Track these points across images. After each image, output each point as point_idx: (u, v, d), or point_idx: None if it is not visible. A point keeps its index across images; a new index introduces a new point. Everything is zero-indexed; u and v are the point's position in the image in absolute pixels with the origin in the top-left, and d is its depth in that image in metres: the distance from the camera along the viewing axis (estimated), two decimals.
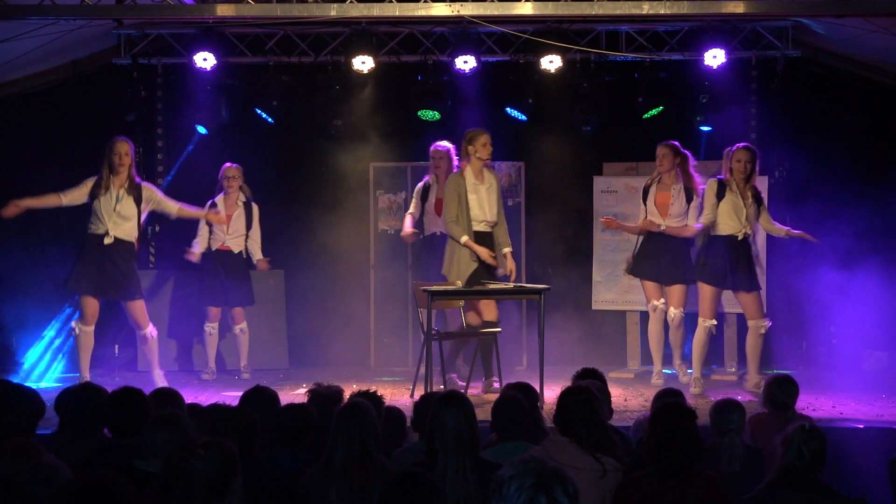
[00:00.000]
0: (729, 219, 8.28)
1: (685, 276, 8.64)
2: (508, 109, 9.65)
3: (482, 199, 8.29)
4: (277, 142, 9.99)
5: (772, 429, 4.78)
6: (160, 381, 8.34)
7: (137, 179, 8.37)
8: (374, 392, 5.24)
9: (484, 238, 8.30)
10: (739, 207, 8.25)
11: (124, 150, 8.24)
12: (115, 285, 8.30)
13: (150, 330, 8.50)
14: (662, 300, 8.72)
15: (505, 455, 4.36)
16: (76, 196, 8.32)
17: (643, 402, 7.73)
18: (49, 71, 9.59)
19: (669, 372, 8.93)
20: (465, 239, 8.18)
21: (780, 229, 8.51)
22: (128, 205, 8.26)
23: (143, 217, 8.42)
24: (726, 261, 8.28)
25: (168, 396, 5.03)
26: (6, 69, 8.89)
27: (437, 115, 9.55)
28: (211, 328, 9.21)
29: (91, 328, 8.39)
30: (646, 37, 9.59)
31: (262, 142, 9.89)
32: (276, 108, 9.60)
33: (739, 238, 8.30)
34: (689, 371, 8.59)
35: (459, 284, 8.40)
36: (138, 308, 8.43)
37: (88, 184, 8.31)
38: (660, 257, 8.65)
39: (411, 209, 9.27)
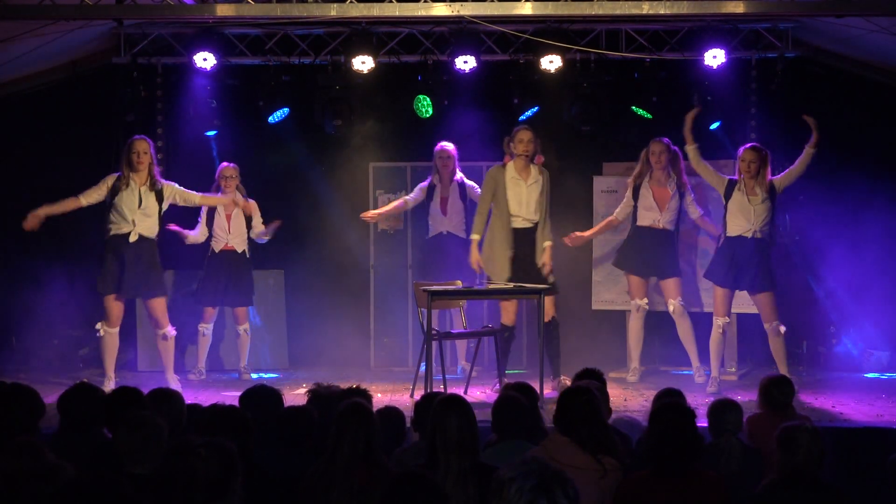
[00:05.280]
0: (736, 218, 8.31)
1: (675, 271, 8.77)
2: (529, 112, 9.58)
3: (521, 195, 8.41)
4: (277, 142, 9.97)
5: (770, 429, 4.77)
6: (174, 384, 8.32)
7: (159, 178, 8.44)
8: (358, 387, 5.23)
9: (523, 235, 8.40)
10: (746, 206, 8.28)
11: (143, 149, 8.36)
12: (140, 283, 8.35)
13: (169, 329, 8.53)
14: (646, 300, 8.84)
15: (505, 455, 4.36)
16: (95, 195, 8.38)
17: (643, 402, 7.73)
18: (49, 71, 9.59)
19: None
20: (473, 237, 8.47)
21: (803, 158, 8.32)
22: (150, 202, 8.37)
23: (162, 214, 8.50)
24: (735, 261, 8.29)
25: (166, 396, 5.02)
26: (6, 69, 8.89)
27: (430, 110, 9.50)
28: (205, 328, 9.18)
29: (116, 330, 8.45)
30: (646, 37, 9.59)
31: (261, 142, 9.88)
32: (276, 107, 9.60)
33: (748, 237, 8.31)
34: (706, 372, 8.60)
35: (459, 283, 8.45)
36: (160, 306, 8.48)
37: (108, 181, 8.39)
38: (649, 251, 8.75)
39: (407, 195, 9.37)
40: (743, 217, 8.30)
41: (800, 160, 8.37)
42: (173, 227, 8.92)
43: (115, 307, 8.38)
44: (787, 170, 8.45)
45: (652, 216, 8.79)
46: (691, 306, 9.04)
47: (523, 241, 8.44)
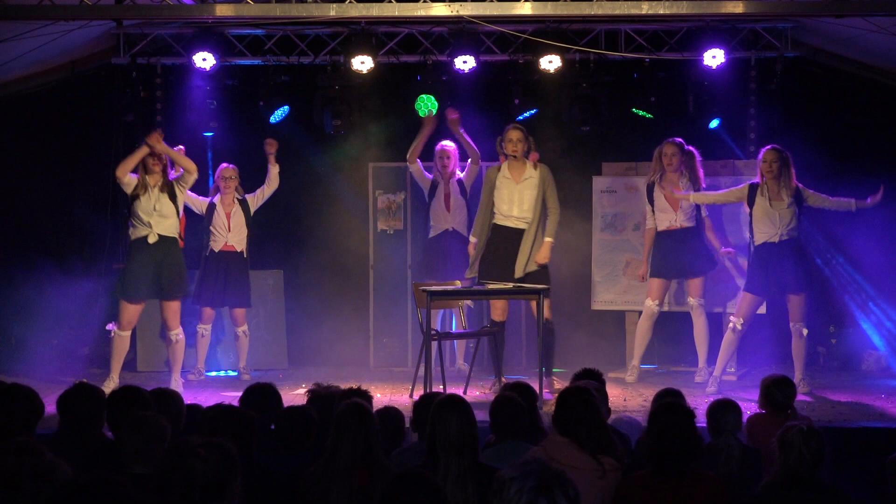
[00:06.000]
0: (761, 224, 8.28)
1: (702, 268, 8.75)
2: (527, 113, 9.59)
3: (513, 194, 8.39)
4: (277, 142, 9.96)
5: (771, 429, 4.78)
6: (178, 387, 8.30)
7: (171, 177, 8.46)
8: (359, 387, 5.24)
9: (509, 234, 8.37)
10: (770, 212, 8.23)
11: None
12: (162, 284, 8.36)
13: (179, 332, 8.52)
14: (657, 302, 8.79)
15: (504, 455, 4.36)
16: (126, 178, 8.35)
17: (643, 402, 7.73)
18: (48, 71, 9.58)
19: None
20: (472, 238, 8.60)
21: (842, 202, 8.36)
22: (165, 201, 8.38)
23: (181, 211, 8.54)
24: (768, 268, 8.25)
25: (166, 397, 5.02)
26: (6, 69, 8.89)
27: (434, 106, 9.45)
28: (203, 329, 9.17)
29: (127, 333, 8.51)
30: (645, 37, 9.59)
31: (261, 142, 9.87)
32: (276, 107, 9.61)
33: (776, 242, 8.25)
34: (709, 373, 8.59)
35: (458, 284, 8.46)
36: (173, 308, 8.48)
37: (135, 182, 8.39)
38: (671, 254, 8.73)
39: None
40: (769, 222, 8.25)
41: (838, 202, 8.34)
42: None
43: (129, 311, 8.40)
44: (823, 195, 8.36)
45: (668, 218, 8.76)
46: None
47: (507, 239, 8.39)
